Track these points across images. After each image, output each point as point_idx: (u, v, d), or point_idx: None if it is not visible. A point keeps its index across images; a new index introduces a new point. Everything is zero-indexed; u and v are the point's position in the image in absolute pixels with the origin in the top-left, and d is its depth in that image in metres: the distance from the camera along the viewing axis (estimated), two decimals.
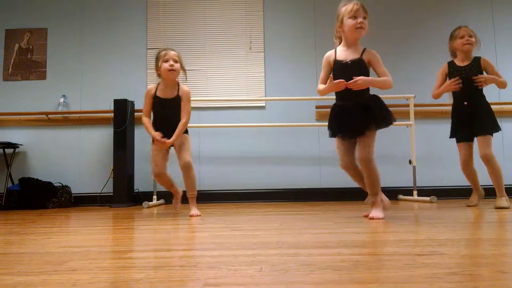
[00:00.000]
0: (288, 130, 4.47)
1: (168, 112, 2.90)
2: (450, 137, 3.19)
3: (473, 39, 3.00)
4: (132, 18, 4.68)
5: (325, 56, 2.46)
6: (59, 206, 4.07)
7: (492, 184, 2.98)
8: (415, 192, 4.01)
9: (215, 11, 4.69)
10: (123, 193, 4.04)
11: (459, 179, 4.33)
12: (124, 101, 4.20)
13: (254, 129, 4.41)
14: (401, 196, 4.18)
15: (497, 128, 2.99)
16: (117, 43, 4.65)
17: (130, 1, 4.69)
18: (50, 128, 4.54)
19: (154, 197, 4.05)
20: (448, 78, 3.09)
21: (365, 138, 2.30)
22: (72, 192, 4.31)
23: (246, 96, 4.39)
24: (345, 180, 4.40)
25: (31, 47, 4.64)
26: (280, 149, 4.47)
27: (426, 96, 4.43)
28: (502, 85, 3.02)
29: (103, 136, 4.49)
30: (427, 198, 3.66)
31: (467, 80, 2.97)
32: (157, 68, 2.87)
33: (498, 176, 2.91)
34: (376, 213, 2.27)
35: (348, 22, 2.32)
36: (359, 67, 2.32)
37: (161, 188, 4.26)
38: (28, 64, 4.62)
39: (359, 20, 2.31)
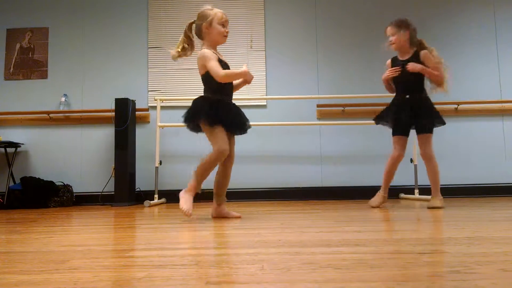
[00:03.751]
0: (289, 129, 4.47)
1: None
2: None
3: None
4: (133, 17, 4.68)
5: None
6: (61, 205, 4.08)
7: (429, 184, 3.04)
8: (416, 191, 4.01)
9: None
10: (125, 192, 4.05)
11: (460, 177, 4.34)
12: (126, 100, 4.20)
13: (255, 128, 4.40)
14: (402, 195, 4.18)
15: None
16: (118, 42, 4.65)
17: (131, 0, 4.69)
18: (51, 127, 4.55)
19: (156, 196, 4.05)
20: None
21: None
22: (74, 191, 4.32)
23: (247, 95, 4.38)
24: (346, 179, 4.44)
25: (32, 46, 4.64)
26: (281, 148, 4.47)
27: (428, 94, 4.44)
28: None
29: (105, 135, 4.49)
30: (429, 197, 3.65)
31: (405, 74, 2.97)
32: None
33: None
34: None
35: (218, 28, 2.48)
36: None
37: (162, 186, 4.29)
38: (30, 64, 4.62)
39: (227, 29, 2.51)
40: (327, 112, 4.49)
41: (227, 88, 2.48)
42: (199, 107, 2.40)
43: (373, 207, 3.08)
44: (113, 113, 4.21)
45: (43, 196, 4.04)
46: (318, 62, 4.58)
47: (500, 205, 3.06)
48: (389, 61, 3.18)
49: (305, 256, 1.17)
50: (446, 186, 4.31)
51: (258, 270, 1.01)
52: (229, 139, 2.40)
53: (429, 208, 2.93)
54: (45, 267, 1.10)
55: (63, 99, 4.47)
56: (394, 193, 4.26)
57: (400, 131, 3.05)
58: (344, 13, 4.65)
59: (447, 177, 4.34)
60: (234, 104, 2.52)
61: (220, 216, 2.44)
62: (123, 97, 4.24)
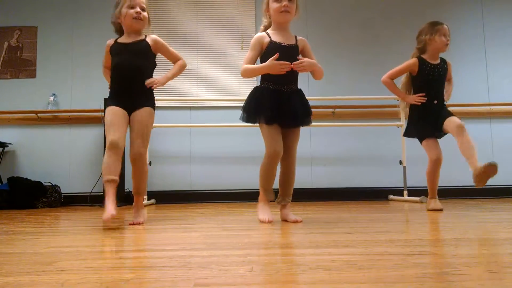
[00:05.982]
0: None
1: (134, 59, 2.46)
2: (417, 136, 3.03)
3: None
4: None
5: (256, 37, 2.32)
6: (49, 206, 4.03)
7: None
8: (405, 193, 4.03)
9: (206, 11, 4.68)
10: None
11: (449, 179, 4.38)
12: None
13: (246, 129, 4.40)
14: (391, 196, 4.20)
15: None
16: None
17: None
18: (39, 127, 4.50)
19: (145, 197, 4.02)
20: (418, 73, 2.97)
21: (296, 130, 2.31)
22: (62, 191, 4.27)
23: (238, 96, 4.38)
24: (336, 180, 4.45)
25: (20, 45, 4.59)
26: None
27: None
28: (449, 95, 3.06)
29: (93, 135, 4.45)
30: (417, 199, 3.68)
31: (439, 78, 2.94)
32: (118, 16, 2.43)
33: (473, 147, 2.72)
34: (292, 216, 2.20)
35: (273, 5, 2.25)
36: (295, 52, 2.25)
37: (152, 187, 4.26)
38: (18, 62, 4.56)
39: (284, 3, 2.19)
40: (317, 113, 4.49)
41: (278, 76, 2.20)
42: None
43: (435, 210, 2.91)
44: (102, 113, 4.17)
45: (31, 197, 3.98)
46: None
47: (487, 207, 3.10)
48: (415, 60, 2.98)
49: (295, 258, 1.17)
50: None
51: (247, 271, 1.01)
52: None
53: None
54: (32, 268, 1.09)
55: (51, 98, 4.43)
56: (383, 194, 4.29)
57: (432, 134, 2.94)
58: (334, 14, 4.67)
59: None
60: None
61: (283, 219, 2.25)
62: None
